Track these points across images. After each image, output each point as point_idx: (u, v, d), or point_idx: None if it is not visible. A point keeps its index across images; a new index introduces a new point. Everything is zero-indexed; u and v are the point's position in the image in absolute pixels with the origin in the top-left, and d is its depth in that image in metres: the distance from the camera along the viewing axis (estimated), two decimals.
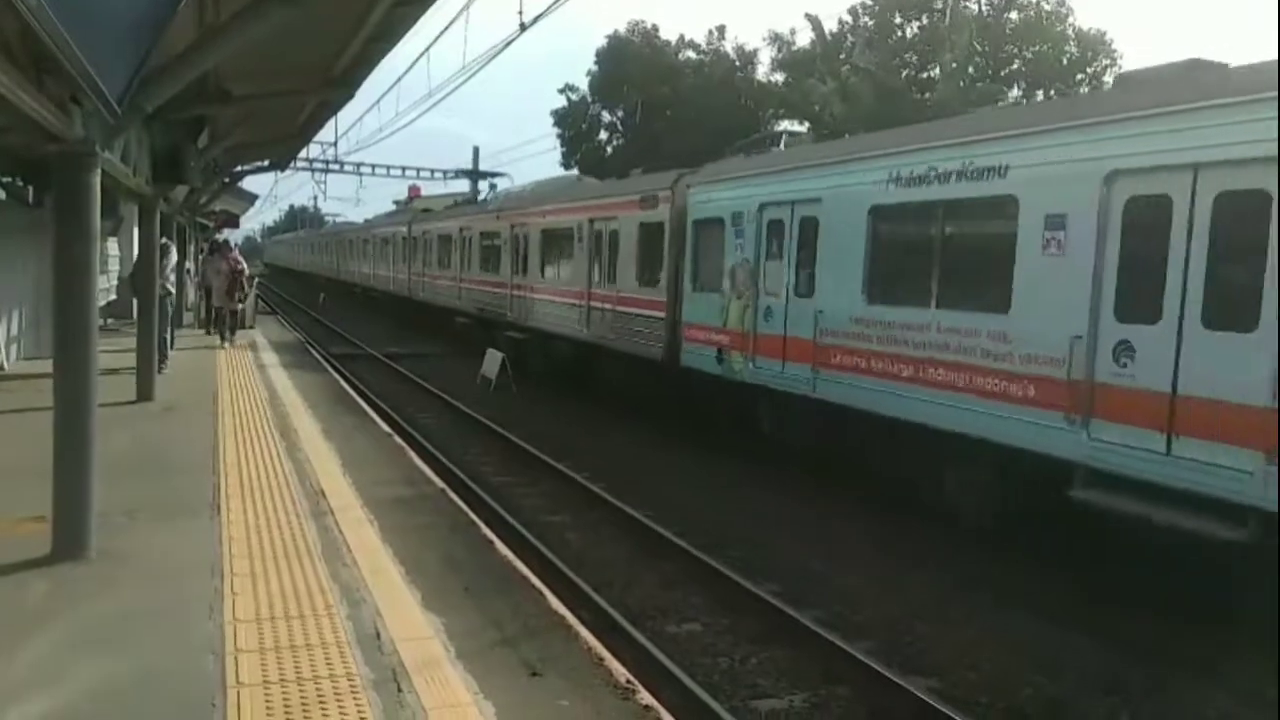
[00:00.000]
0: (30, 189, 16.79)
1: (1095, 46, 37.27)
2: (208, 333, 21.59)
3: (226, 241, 22.68)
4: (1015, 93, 36.31)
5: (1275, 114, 6.55)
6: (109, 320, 19.89)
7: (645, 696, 4.73)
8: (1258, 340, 6.66)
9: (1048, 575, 8.50)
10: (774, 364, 12.29)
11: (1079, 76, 36.45)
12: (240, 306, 20.98)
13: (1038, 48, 37.04)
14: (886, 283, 10.63)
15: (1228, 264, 7.08)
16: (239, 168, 22.24)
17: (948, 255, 9.83)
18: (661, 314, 15.14)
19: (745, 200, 13.14)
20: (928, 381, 9.67)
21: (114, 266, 23.18)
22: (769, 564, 9.05)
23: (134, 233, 19.06)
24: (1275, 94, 6.66)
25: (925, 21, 38.61)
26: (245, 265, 21.53)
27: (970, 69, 36.32)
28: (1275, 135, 6.51)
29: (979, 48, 36.51)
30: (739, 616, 7.84)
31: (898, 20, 39.43)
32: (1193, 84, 7.70)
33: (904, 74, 38.49)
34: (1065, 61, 37.10)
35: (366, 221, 49.57)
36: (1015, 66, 37.55)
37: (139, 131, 11.22)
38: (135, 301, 14.58)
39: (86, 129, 6.10)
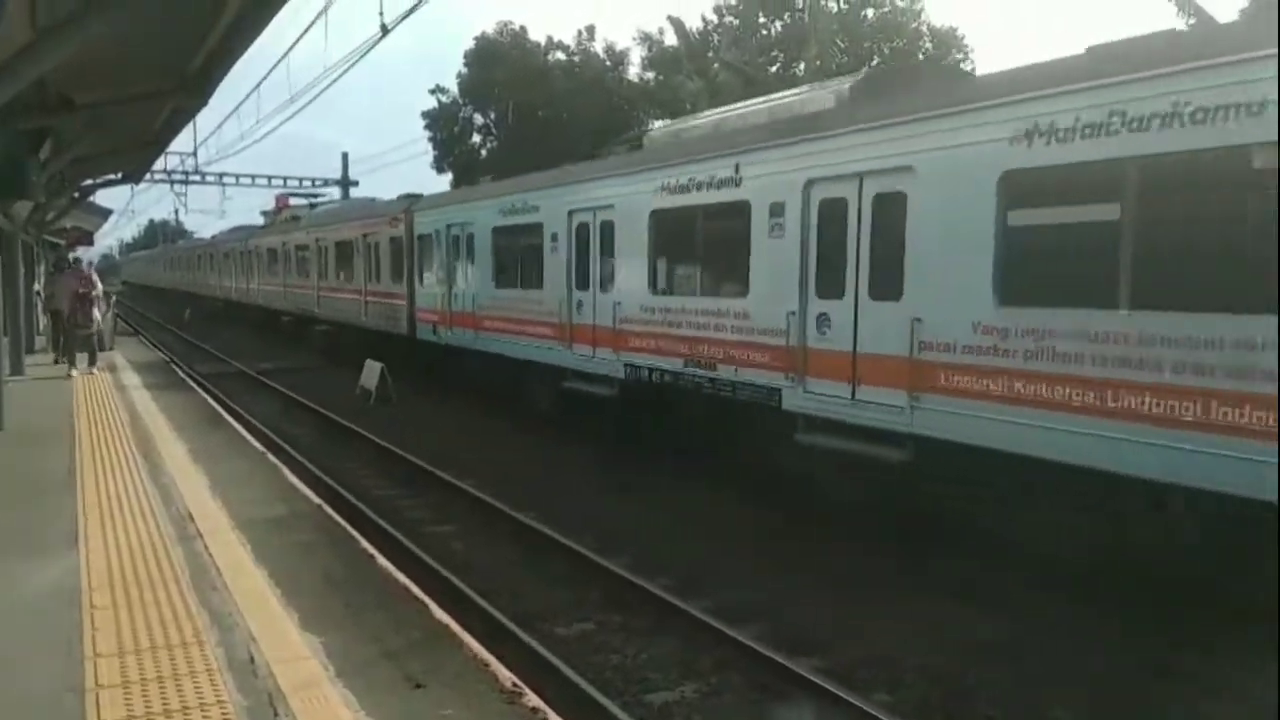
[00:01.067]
0: None
1: (949, 41, 38.89)
2: (56, 360, 19.69)
3: (78, 259, 20.88)
4: None
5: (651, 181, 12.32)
6: None
7: (532, 698, 4.70)
8: (608, 296, 13.29)
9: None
10: (459, 331, 18.38)
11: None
12: (92, 330, 18.98)
13: (894, 44, 38.37)
14: (504, 274, 16.77)
15: (606, 258, 13.47)
16: (88, 181, 21.12)
17: (524, 256, 15.94)
18: (404, 303, 21.07)
19: (441, 222, 19.23)
20: (515, 332, 16.03)
21: None
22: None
23: None
24: (639, 168, 12.82)
25: (789, 19, 39.51)
26: (99, 285, 19.62)
27: (834, 65, 37.32)
28: (652, 186, 12.30)
29: (840, 44, 37.55)
30: (630, 614, 7.86)
31: (761, 19, 40.23)
32: (598, 165, 14.72)
33: (772, 70, 39.31)
34: (921, 56, 38.56)
35: (213, 238, 51.49)
36: (875, 62, 38.83)
37: None
38: None
39: None
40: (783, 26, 39.97)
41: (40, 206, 18.57)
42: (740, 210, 10.52)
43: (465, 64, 48.84)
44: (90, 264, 23.20)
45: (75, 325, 18.60)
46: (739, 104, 12.68)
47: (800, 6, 38.27)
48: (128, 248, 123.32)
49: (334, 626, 5.51)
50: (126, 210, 68.46)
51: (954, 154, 8.02)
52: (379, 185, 77.57)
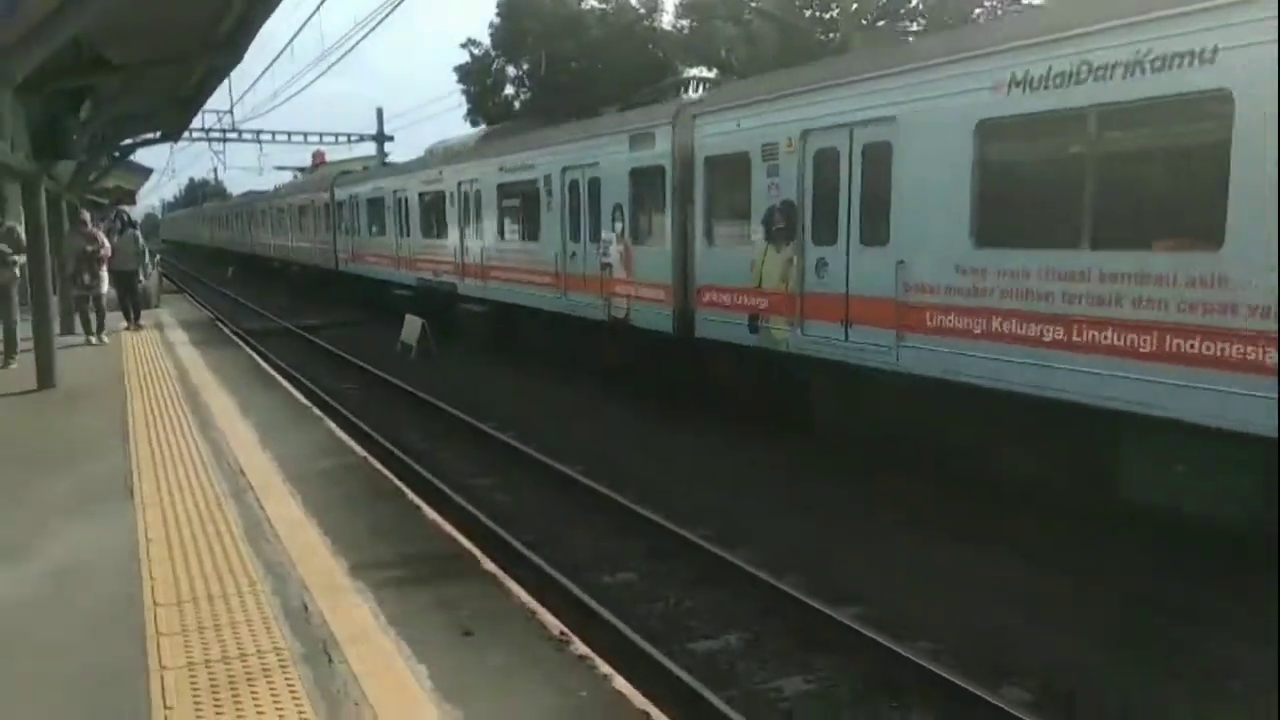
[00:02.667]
0: None
1: None
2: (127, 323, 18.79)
3: (90, 215, 19.07)
4: (916, 29, 36.45)
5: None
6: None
7: (579, 646, 4.75)
8: (410, 240, 23.41)
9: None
10: (356, 265, 28.47)
11: (977, 11, 36.80)
12: (99, 291, 16.71)
13: None
14: (371, 228, 26.83)
15: (413, 219, 23.20)
16: (128, 140, 21.30)
17: (375, 217, 26.27)
18: (330, 247, 31.15)
19: (346, 194, 29.08)
20: (378, 263, 25.97)
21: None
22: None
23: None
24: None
25: None
26: (105, 242, 17.02)
27: (871, 11, 36.33)
28: (417, 181, 22.98)
29: None
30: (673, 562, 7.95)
31: None
32: (400, 165, 27.59)
33: (808, 14, 38.38)
34: None
35: (232, 201, 59.85)
36: (914, 4, 37.76)
37: (13, 104, 10.64)
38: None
39: None
40: None
41: (82, 167, 18.76)
42: (443, 194, 20.69)
43: (498, 14, 48.32)
44: (104, 219, 21.28)
45: (79, 286, 16.72)
46: (461, 134, 24.37)
47: None
48: (169, 206, 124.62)
49: (383, 576, 5.59)
50: (167, 169, 69.30)
51: (482, 178, 18.67)
52: (416, 139, 77.44)
